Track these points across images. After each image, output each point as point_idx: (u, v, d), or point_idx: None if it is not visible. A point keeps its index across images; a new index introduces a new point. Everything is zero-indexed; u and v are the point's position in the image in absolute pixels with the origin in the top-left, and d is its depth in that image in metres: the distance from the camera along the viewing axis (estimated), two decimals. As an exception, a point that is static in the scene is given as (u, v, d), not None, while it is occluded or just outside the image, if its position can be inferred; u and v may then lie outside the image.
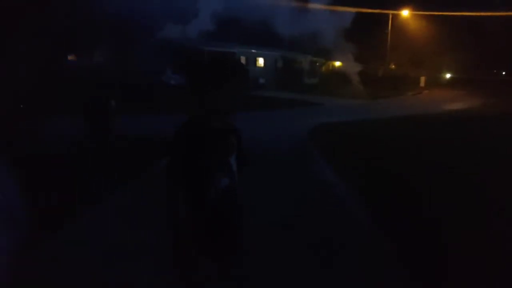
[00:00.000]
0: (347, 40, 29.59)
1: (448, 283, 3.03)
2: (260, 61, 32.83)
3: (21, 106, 10.63)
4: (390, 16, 32.59)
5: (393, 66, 39.10)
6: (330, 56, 33.40)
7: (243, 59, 30.85)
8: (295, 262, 3.24)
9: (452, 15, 29.29)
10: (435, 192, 5.11)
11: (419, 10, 31.90)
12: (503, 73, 39.17)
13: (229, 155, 2.07)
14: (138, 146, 7.77)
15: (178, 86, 24.20)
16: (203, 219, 1.99)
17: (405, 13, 32.63)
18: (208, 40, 32.35)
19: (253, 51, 31.88)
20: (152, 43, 27.84)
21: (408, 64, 35.72)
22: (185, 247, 1.95)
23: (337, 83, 30.52)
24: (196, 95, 2.05)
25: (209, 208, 1.99)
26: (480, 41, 32.00)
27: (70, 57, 23.64)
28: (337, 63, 37.17)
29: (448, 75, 39.33)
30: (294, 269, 3.14)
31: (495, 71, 39.14)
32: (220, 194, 2.02)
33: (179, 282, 2.05)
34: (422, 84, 32.58)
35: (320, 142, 9.38)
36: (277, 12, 29.25)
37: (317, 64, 37.89)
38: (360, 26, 29.84)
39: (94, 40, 21.12)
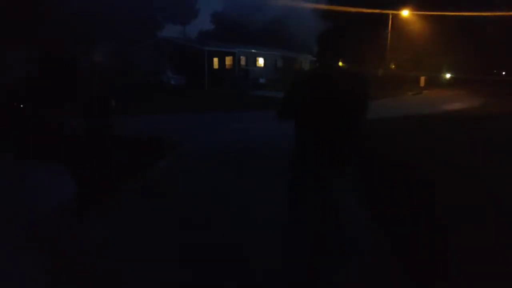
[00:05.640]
0: (347, 40, 29.54)
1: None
2: (260, 61, 32.84)
3: (21, 105, 10.66)
4: (390, 16, 32.55)
5: (393, 66, 39.05)
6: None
7: (243, 59, 30.91)
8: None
9: (452, 15, 29.28)
10: (435, 191, 5.13)
11: (419, 10, 31.89)
12: (503, 73, 39.14)
13: None
14: (137, 146, 7.78)
15: (178, 86, 24.23)
16: None
17: (405, 13, 32.59)
18: (208, 40, 32.39)
19: (253, 51, 31.89)
20: (152, 42, 27.91)
21: (408, 64, 35.65)
22: None
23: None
24: None
25: None
26: (480, 41, 31.97)
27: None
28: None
29: (448, 75, 39.30)
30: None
31: (495, 71, 39.10)
32: None
33: None
34: (422, 84, 32.51)
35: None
36: (277, 12, 29.31)
37: (317, 64, 37.85)
38: (360, 26, 29.85)
39: (94, 39, 21.15)
